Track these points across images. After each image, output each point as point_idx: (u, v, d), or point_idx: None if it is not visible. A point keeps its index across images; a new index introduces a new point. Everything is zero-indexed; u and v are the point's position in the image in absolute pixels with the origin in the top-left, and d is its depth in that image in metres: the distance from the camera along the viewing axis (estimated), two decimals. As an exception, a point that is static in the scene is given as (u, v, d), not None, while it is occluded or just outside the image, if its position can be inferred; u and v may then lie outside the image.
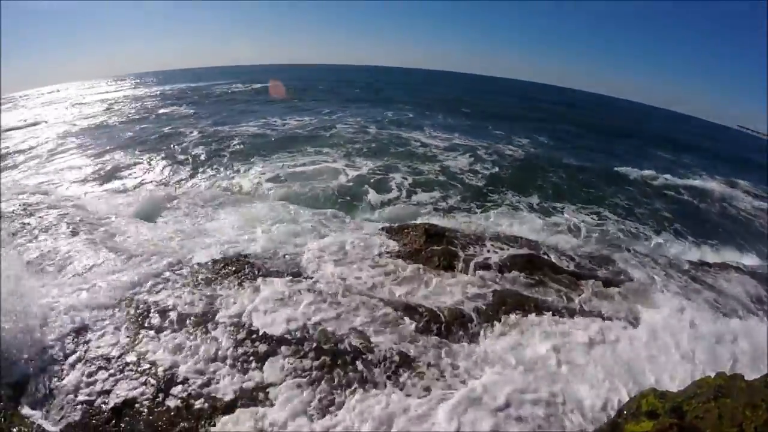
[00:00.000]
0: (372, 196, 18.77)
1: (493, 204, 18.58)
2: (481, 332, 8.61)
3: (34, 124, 40.85)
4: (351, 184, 20.43)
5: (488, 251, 11.55)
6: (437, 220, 14.85)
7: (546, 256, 11.92)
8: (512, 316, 9.04)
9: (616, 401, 6.77)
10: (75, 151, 27.16)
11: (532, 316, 9.06)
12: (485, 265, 10.86)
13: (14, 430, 5.21)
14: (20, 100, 73.94)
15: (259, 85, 72.26)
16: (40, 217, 13.13)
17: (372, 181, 20.85)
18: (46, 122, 42.07)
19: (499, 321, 8.91)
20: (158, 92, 68.86)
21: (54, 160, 24.74)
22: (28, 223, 12.59)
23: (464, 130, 36.28)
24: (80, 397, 6.35)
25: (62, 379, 6.64)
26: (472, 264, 10.84)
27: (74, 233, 11.88)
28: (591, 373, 7.53)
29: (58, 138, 31.77)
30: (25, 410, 5.91)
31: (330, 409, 6.53)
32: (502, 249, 11.77)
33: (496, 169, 24.31)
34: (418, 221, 14.51)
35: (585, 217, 17.96)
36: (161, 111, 45.32)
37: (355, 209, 17.32)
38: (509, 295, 9.75)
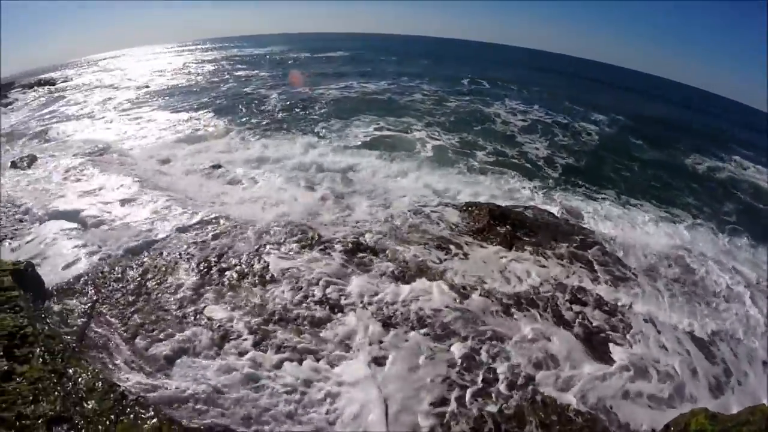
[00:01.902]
0: (449, 170, 18.41)
1: (566, 190, 17.82)
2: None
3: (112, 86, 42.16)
4: (431, 155, 20.29)
5: (553, 239, 11.09)
6: (505, 202, 14.42)
7: (610, 252, 11.31)
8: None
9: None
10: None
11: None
12: (544, 254, 10.44)
13: (71, 370, 5.36)
14: (99, 62, 76.37)
15: (330, 54, 72.15)
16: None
17: (451, 155, 20.51)
18: (132, 81, 43.57)
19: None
20: (230, 56, 70.10)
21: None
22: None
23: (544, 102, 35.58)
24: (141, 342, 6.64)
25: (122, 325, 6.93)
26: (530, 248, 10.48)
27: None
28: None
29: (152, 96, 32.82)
30: (86, 353, 6.13)
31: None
32: (568, 239, 11.27)
33: (572, 158, 23.20)
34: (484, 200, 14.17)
35: (661, 213, 16.93)
36: (238, 73, 46.13)
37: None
38: (563, 286, 9.39)
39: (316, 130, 23.12)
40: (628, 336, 8.13)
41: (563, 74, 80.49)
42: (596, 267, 10.21)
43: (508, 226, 11.03)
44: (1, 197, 11.32)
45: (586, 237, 11.44)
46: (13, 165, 14.53)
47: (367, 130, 23.22)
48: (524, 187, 17.13)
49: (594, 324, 8.29)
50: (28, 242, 9.21)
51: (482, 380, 6.65)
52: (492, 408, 6.21)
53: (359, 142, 21.26)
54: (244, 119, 25.34)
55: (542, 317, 8.25)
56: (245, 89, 35.23)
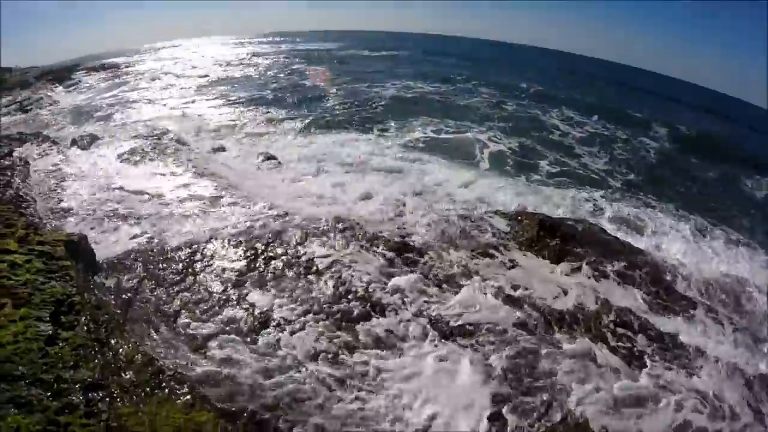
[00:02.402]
0: (504, 176, 18.24)
1: (621, 206, 17.26)
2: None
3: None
4: (489, 159, 20.22)
5: (603, 256, 10.63)
6: (556, 213, 14.11)
7: (666, 274, 10.74)
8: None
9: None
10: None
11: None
12: (593, 271, 10.03)
13: (114, 341, 5.48)
14: (160, 51, 78.76)
15: (388, 52, 72.59)
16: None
17: (510, 161, 20.32)
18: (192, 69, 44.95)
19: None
20: (287, 51, 71.35)
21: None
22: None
23: (603, 113, 34.57)
24: (183, 320, 6.76)
25: (166, 303, 7.09)
26: (582, 264, 10.12)
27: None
28: None
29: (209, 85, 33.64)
30: (129, 326, 6.23)
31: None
32: (618, 257, 10.77)
33: (630, 173, 22.55)
34: (535, 209, 13.91)
35: (719, 238, 16.07)
36: (295, 67, 46.86)
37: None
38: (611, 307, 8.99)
39: (373, 128, 23.37)
40: (673, 365, 7.75)
41: (619, 84, 78.43)
42: (646, 289, 9.78)
43: (557, 239, 10.73)
44: (60, 173, 11.73)
45: (637, 256, 11.01)
46: (74, 142, 15.04)
47: (425, 131, 23.29)
48: (578, 199, 16.81)
49: (637, 349, 7.94)
50: (83, 218, 9.49)
51: (522, 393, 6.46)
52: (527, 423, 6.04)
53: (416, 143, 21.31)
54: (302, 113, 25.72)
55: (584, 336, 7.97)
56: (303, 82, 35.75)
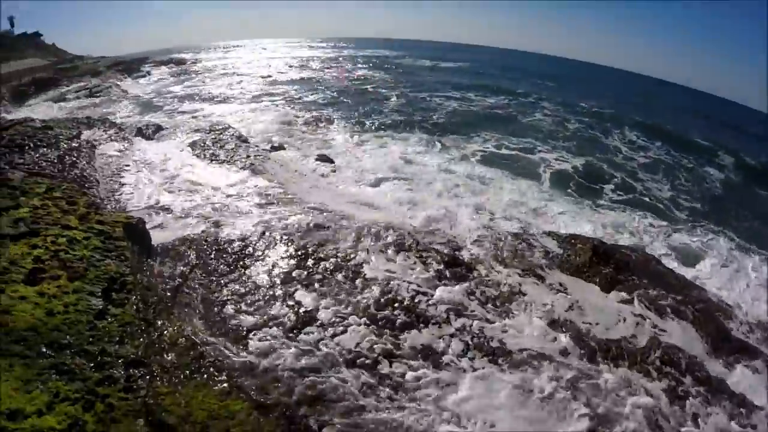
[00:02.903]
0: (568, 196, 17.98)
1: (680, 238, 16.70)
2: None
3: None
4: (549, 179, 20.10)
5: (656, 289, 10.21)
6: (611, 239, 13.72)
7: (720, 313, 10.26)
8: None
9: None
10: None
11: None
12: (644, 303, 9.65)
13: (160, 322, 5.60)
14: (224, 49, 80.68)
15: (449, 63, 72.56)
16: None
17: (573, 182, 20.14)
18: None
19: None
20: (348, 56, 72.07)
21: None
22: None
23: (666, 139, 33.62)
24: (228, 310, 6.85)
25: (214, 292, 7.18)
26: (634, 295, 9.77)
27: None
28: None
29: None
30: (176, 310, 6.35)
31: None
32: (672, 290, 10.33)
33: (693, 203, 21.81)
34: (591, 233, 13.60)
35: None
36: (358, 73, 47.41)
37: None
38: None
39: (432, 138, 23.36)
40: (718, 411, 7.38)
41: (684, 107, 75.98)
42: (697, 327, 9.35)
43: (611, 266, 10.41)
44: (124, 158, 12.11)
45: (691, 291, 10.60)
46: (139, 131, 15.53)
47: (486, 146, 23.21)
48: (637, 226, 16.41)
49: (682, 389, 7.58)
50: (143, 203, 9.75)
51: (559, 421, 6.27)
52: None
53: (478, 156, 21.25)
54: (362, 118, 25.99)
55: (629, 370, 7.68)
56: (365, 87, 36.16)
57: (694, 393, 7.51)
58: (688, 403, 7.26)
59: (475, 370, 6.83)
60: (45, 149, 10.39)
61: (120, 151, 12.76)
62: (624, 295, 9.75)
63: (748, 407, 7.62)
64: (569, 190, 19.27)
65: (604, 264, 10.49)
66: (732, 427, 7.13)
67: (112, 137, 13.76)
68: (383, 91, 35.68)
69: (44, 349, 4.47)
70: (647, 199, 20.83)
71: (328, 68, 53.06)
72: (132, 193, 10.15)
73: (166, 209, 9.65)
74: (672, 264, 12.84)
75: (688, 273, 12.55)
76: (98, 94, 34.83)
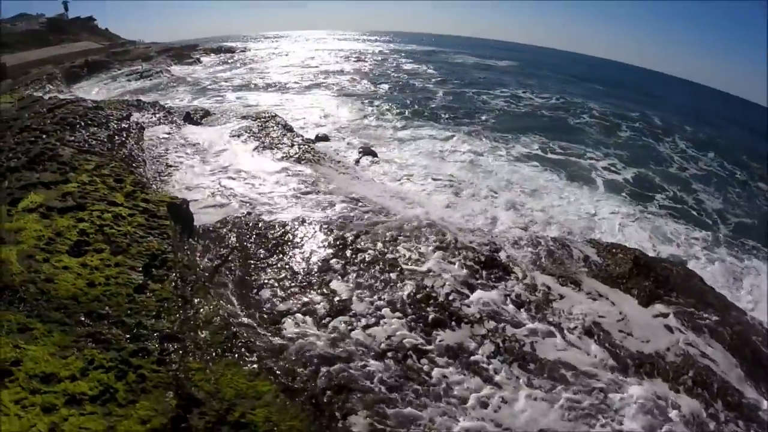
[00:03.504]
0: (616, 204, 17.87)
1: (727, 255, 16.23)
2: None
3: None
4: (600, 186, 19.98)
5: (695, 307, 9.79)
6: (654, 252, 13.42)
7: (758, 337, 9.79)
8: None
9: None
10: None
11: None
12: (682, 320, 9.31)
13: (197, 300, 5.75)
14: (273, 39, 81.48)
15: (495, 61, 72.05)
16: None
17: (623, 190, 19.97)
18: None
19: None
20: (394, 50, 72.06)
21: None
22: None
23: (719, 150, 32.73)
24: (263, 293, 6.97)
25: (251, 275, 7.30)
26: (671, 311, 9.49)
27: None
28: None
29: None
30: (213, 290, 6.47)
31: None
32: (711, 310, 9.89)
33: (744, 219, 21.16)
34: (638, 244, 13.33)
35: None
36: (405, 67, 47.53)
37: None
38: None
39: (480, 136, 23.18)
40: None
41: (737, 119, 73.70)
42: (733, 351, 9.01)
43: (651, 279, 10.13)
44: (172, 141, 12.37)
45: (731, 312, 10.22)
46: (187, 115, 15.81)
47: (533, 147, 22.98)
48: (682, 240, 15.99)
49: (710, 412, 7.33)
50: (187, 185, 9.96)
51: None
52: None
53: (525, 158, 21.08)
54: (408, 113, 26.02)
55: (659, 388, 7.48)
56: (412, 83, 36.13)
57: (723, 418, 7.28)
58: (716, 427, 7.06)
59: (501, 373, 6.77)
60: (95, 128, 10.67)
61: (168, 133, 13.03)
62: (662, 309, 9.48)
63: None
64: (617, 196, 18.96)
65: (645, 276, 10.22)
66: None
67: (161, 120, 14.07)
68: (430, 86, 35.78)
69: (83, 318, 4.63)
70: (696, 212, 20.35)
71: (374, 61, 53.39)
72: (177, 174, 10.37)
73: (211, 192, 9.84)
74: (713, 281, 12.47)
75: (728, 292, 12.18)
76: (149, 79, 35.76)
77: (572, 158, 23.24)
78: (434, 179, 15.16)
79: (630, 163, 24.37)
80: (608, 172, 22.22)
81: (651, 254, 12.65)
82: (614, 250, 11.31)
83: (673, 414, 6.90)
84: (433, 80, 40.01)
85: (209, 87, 29.83)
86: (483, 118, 27.77)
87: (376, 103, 27.74)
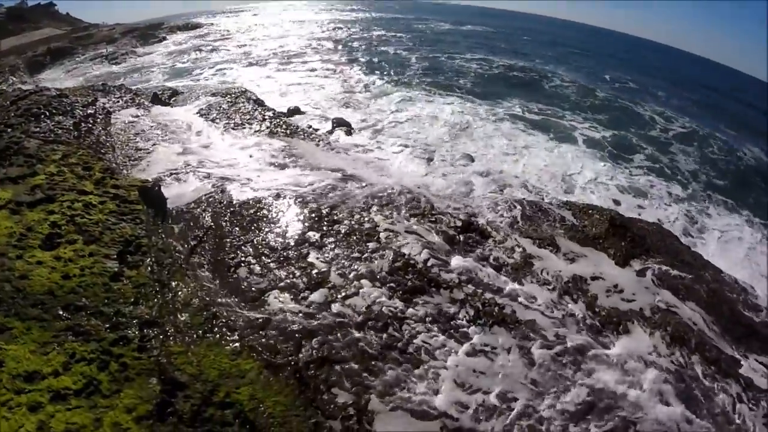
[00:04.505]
0: (595, 163, 17.94)
1: (703, 213, 16.55)
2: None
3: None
4: (580, 146, 20.07)
5: (672, 266, 10.01)
6: (630, 213, 13.59)
7: (733, 295, 10.12)
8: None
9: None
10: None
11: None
12: (658, 280, 9.51)
13: (174, 283, 5.79)
14: (240, 13, 80.00)
15: (469, 27, 71.62)
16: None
17: (601, 150, 20.10)
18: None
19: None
20: (366, 18, 71.14)
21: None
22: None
23: (694, 115, 32.94)
24: (241, 271, 7.01)
25: (228, 253, 7.31)
26: (648, 270, 9.66)
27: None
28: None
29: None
30: (190, 272, 6.53)
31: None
32: (687, 269, 10.17)
33: (720, 179, 21.50)
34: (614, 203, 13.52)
35: None
36: (378, 34, 47.06)
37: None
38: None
39: (454, 100, 23.16)
40: (729, 393, 7.35)
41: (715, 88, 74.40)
42: (708, 307, 9.15)
43: (627, 239, 10.29)
44: (140, 124, 12.20)
45: (706, 271, 10.49)
46: (155, 96, 15.55)
47: (510, 110, 23.08)
48: (657, 200, 16.25)
49: (689, 368, 7.53)
50: (158, 168, 9.87)
51: (561, 390, 6.32)
52: (561, 419, 5.91)
53: (502, 120, 21.11)
54: (383, 79, 25.94)
55: (636, 344, 7.68)
56: (386, 49, 35.98)
57: (701, 373, 7.50)
58: (694, 382, 7.27)
59: (482, 335, 6.89)
60: (60, 117, 10.45)
61: (136, 116, 12.83)
62: (638, 268, 9.66)
63: (755, 390, 7.60)
64: (597, 156, 19.15)
65: (621, 236, 10.37)
66: (738, 408, 7.14)
67: (128, 103, 13.83)
68: (404, 53, 35.52)
69: (61, 312, 4.62)
70: (671, 171, 20.62)
71: (346, 29, 52.70)
72: (148, 157, 10.26)
73: (182, 173, 9.77)
74: (688, 238, 12.74)
75: (703, 248, 12.44)
76: (114, 62, 35.06)
77: (552, 119, 23.41)
78: (410, 146, 15.19)
79: (609, 124, 24.59)
80: (589, 131, 22.44)
81: (628, 214, 12.81)
82: (590, 212, 11.46)
83: (650, 371, 7.10)
84: (407, 47, 39.74)
85: (177, 65, 29.39)
86: (459, 83, 27.76)
87: (350, 72, 27.50)
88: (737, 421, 6.91)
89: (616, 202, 14.79)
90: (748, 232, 16.02)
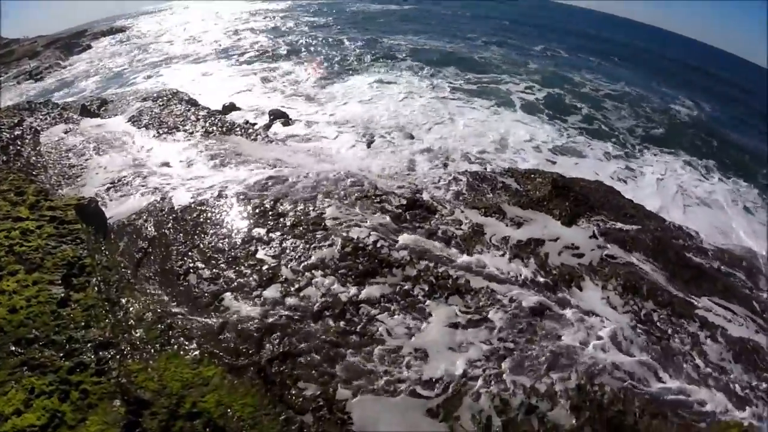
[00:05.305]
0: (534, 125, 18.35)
1: (640, 162, 17.16)
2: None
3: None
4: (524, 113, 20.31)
5: (615, 220, 10.51)
6: (572, 173, 13.91)
7: (678, 241, 10.72)
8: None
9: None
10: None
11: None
12: (608, 233, 9.93)
13: (124, 300, 5.71)
14: (165, 12, 77.66)
15: (397, 6, 71.34)
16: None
17: (543, 115, 20.39)
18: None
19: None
20: (294, 6, 70.00)
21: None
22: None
23: (628, 81, 33.69)
24: (191, 278, 6.97)
25: (176, 262, 7.26)
26: (593, 226, 10.04)
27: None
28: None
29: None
30: (139, 286, 6.43)
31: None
32: (630, 221, 10.69)
33: (655, 130, 22.28)
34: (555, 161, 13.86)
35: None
36: (308, 20, 46.48)
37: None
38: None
39: (391, 79, 23.18)
40: (679, 331, 7.75)
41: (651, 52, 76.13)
42: (656, 254, 9.62)
43: (570, 199, 10.61)
44: (71, 139, 11.85)
45: (649, 221, 10.96)
46: (84, 108, 15.01)
47: (448, 81, 23.32)
48: (597, 158, 16.76)
49: (643, 313, 7.90)
50: (93, 182, 9.63)
51: (522, 350, 6.56)
52: (526, 379, 6.15)
53: (441, 91, 21.34)
54: (317, 65, 25.68)
55: (591, 297, 8.01)
56: (318, 35, 35.77)
57: (656, 317, 7.88)
58: (651, 326, 7.63)
59: (439, 308, 7.08)
60: (-15, 144, 10.12)
61: (66, 132, 12.42)
62: (584, 226, 10.02)
63: (711, 328, 8.03)
64: (534, 119, 19.55)
65: (564, 197, 10.69)
66: (696, 345, 7.53)
67: (57, 119, 13.36)
68: (336, 37, 35.12)
69: (13, 348, 4.54)
70: (610, 128, 21.20)
71: (275, 18, 51.75)
72: (82, 173, 9.99)
73: (119, 185, 9.55)
74: (625, 186, 13.19)
75: (643, 196, 12.90)
76: (40, 77, 33.67)
77: (490, 86, 23.78)
78: (349, 131, 15.15)
79: (543, 85, 25.07)
80: (524, 94, 22.90)
81: (568, 173, 13.17)
82: (533, 176, 11.77)
83: (606, 322, 7.42)
84: (338, 31, 39.33)
85: (104, 72, 28.42)
86: (396, 63, 27.63)
87: (284, 62, 27.04)
88: (697, 359, 7.30)
89: (553, 163, 15.17)
90: (685, 174, 16.75)
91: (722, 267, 10.19)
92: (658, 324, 7.74)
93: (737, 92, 49.51)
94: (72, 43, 49.02)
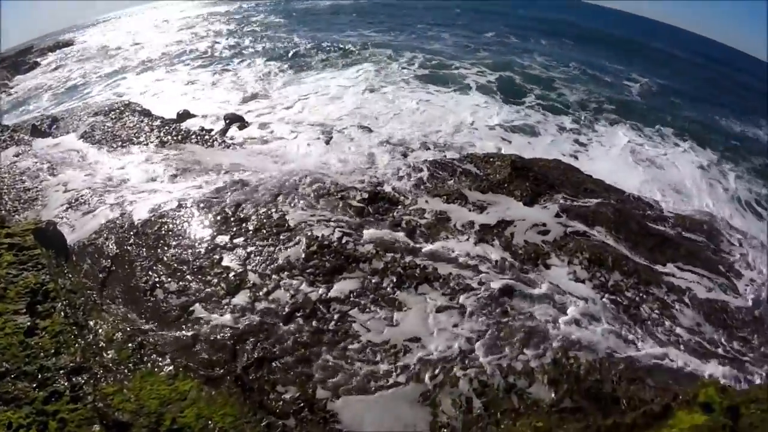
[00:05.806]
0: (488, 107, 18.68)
1: (595, 136, 17.54)
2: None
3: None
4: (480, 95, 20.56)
5: (575, 196, 10.78)
6: (530, 154, 14.10)
7: (639, 211, 11.05)
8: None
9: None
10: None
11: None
12: (570, 209, 10.14)
13: (92, 322, 5.69)
14: (113, 22, 75.96)
15: (346, 1, 70.83)
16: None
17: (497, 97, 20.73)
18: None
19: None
20: (243, 8, 69.03)
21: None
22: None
23: (581, 62, 34.13)
24: (158, 293, 6.92)
25: (141, 278, 7.22)
26: (555, 204, 10.24)
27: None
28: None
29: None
30: (106, 306, 6.37)
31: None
32: (591, 195, 10.98)
33: (607, 105, 22.78)
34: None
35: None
36: (257, 19, 46.11)
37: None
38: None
39: (341, 76, 23.16)
40: (648, 298, 8.01)
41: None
42: (619, 226, 9.89)
43: (530, 179, 10.79)
44: (23, 162, 11.60)
45: (610, 194, 11.23)
46: (34, 129, 14.64)
47: (400, 73, 23.39)
48: (553, 134, 17.08)
49: (611, 285, 8.12)
50: (50, 205, 9.47)
51: (496, 330, 6.72)
52: (500, 358, 6.30)
53: (394, 82, 21.42)
54: (270, 65, 25.50)
55: (558, 273, 8.21)
56: (266, 33, 35.30)
57: (624, 286, 8.12)
58: (619, 296, 7.87)
59: (409, 298, 7.21)
60: (-65, 176, 9.86)
61: (17, 155, 12.14)
62: (546, 204, 10.22)
63: (678, 292, 8.33)
64: (489, 101, 19.75)
65: (524, 178, 10.86)
66: (666, 311, 7.78)
67: (7, 142, 13.05)
68: (283, 35, 34.76)
69: (-16, 383, 4.46)
70: (563, 106, 21.52)
71: (223, 22, 50.92)
72: (38, 196, 9.79)
73: (76, 205, 9.39)
74: (583, 162, 13.45)
75: (601, 171, 13.15)
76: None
77: (441, 72, 23.87)
78: (306, 129, 15.08)
79: (495, 69, 25.29)
80: (477, 77, 23.14)
81: (526, 153, 13.39)
82: (492, 159, 11.94)
83: (574, 297, 7.62)
84: (289, 30, 38.85)
85: (53, 90, 27.58)
86: (344, 56, 27.53)
87: (237, 65, 26.61)
88: (668, 323, 7.55)
89: (509, 142, 15.39)
90: (640, 140, 17.22)
91: (683, 232, 10.53)
92: (626, 293, 7.97)
93: (699, 70, 50.59)
94: (18, 61, 47.47)
